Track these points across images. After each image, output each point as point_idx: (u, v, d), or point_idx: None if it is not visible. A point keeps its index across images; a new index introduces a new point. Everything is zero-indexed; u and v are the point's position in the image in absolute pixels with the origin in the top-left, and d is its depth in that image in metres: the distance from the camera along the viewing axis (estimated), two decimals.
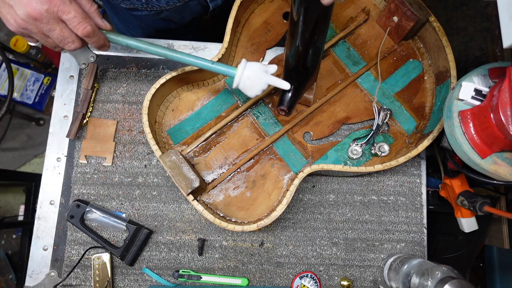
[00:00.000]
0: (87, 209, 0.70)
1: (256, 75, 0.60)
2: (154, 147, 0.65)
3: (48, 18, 0.50)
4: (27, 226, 1.50)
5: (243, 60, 0.60)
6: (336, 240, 0.73)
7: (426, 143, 0.65)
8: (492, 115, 0.50)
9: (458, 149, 0.56)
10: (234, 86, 0.61)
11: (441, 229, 0.89)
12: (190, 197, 0.63)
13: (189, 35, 0.94)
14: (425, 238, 0.73)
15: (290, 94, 0.62)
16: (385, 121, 0.70)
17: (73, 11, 0.50)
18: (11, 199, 1.68)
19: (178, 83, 0.71)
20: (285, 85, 0.60)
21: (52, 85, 1.66)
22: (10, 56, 1.65)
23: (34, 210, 1.52)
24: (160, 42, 0.77)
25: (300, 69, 0.62)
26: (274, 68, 0.61)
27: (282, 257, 0.72)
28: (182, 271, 0.71)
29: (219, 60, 0.69)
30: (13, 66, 1.61)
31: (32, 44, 0.58)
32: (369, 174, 0.74)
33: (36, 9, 0.48)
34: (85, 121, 0.74)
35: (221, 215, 0.68)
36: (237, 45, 0.75)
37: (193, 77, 0.71)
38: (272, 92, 0.74)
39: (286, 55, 0.63)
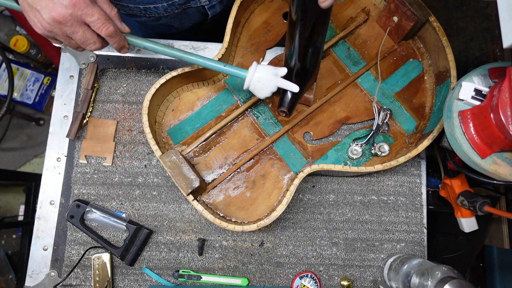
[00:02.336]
0: (87, 209, 0.70)
1: (266, 78, 0.61)
2: (154, 147, 0.65)
3: (71, 21, 0.52)
4: (27, 226, 1.50)
5: (254, 63, 0.62)
6: (336, 240, 0.73)
7: (426, 143, 0.65)
8: (492, 115, 0.50)
9: (458, 149, 0.56)
10: (245, 87, 0.63)
11: (441, 229, 0.89)
12: (190, 197, 0.63)
13: (190, 39, 0.94)
14: (425, 238, 0.73)
15: (290, 96, 0.62)
16: (385, 121, 0.70)
17: (97, 14, 0.53)
18: (11, 199, 1.67)
19: (178, 83, 0.71)
20: (294, 87, 0.61)
21: (52, 85, 1.66)
22: (10, 56, 1.65)
23: (34, 210, 1.52)
24: (160, 42, 0.77)
25: (299, 70, 0.62)
26: (284, 70, 0.62)
27: (282, 257, 0.72)
28: (182, 271, 0.71)
29: (219, 60, 0.69)
30: (13, 66, 1.61)
31: (57, 45, 0.60)
32: (369, 174, 0.74)
33: (60, 13, 0.51)
34: (85, 121, 0.74)
35: (221, 215, 0.68)
36: (237, 45, 0.75)
37: (193, 77, 0.71)
38: None
39: (285, 56, 0.63)
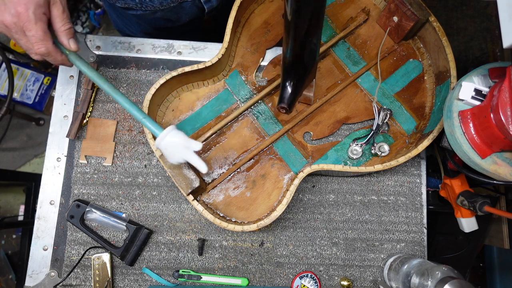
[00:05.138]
0: (87, 209, 0.70)
1: (175, 148, 0.58)
2: (154, 147, 0.65)
3: (16, 29, 0.56)
4: (27, 226, 1.50)
5: (170, 127, 0.59)
6: (336, 240, 0.73)
7: (426, 143, 0.65)
8: (492, 115, 0.50)
9: (458, 149, 0.56)
10: (155, 145, 0.60)
11: (441, 229, 0.89)
12: (190, 197, 0.63)
13: (189, 34, 0.94)
14: (425, 238, 0.73)
15: (290, 91, 0.61)
16: (385, 121, 0.70)
17: (33, 31, 0.55)
18: (11, 199, 1.67)
19: (178, 83, 0.71)
20: (202, 167, 0.57)
21: (52, 85, 1.66)
22: (10, 56, 1.65)
23: (34, 210, 1.52)
24: (160, 42, 0.77)
25: (298, 65, 0.61)
26: (198, 145, 0.58)
27: (282, 257, 0.72)
28: (182, 271, 0.71)
29: (219, 60, 0.69)
30: (13, 66, 1.61)
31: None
32: (369, 174, 0.74)
33: (7, 20, 0.55)
34: (85, 121, 0.74)
35: (221, 215, 0.68)
36: (237, 45, 0.75)
37: (193, 77, 0.71)
38: (272, 92, 0.74)
39: (283, 52, 0.62)
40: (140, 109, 0.61)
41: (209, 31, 1.07)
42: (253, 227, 0.63)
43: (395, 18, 0.71)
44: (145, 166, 0.73)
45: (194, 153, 0.58)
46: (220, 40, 0.71)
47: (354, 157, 0.71)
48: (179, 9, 0.79)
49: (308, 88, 0.70)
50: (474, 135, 0.54)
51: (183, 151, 0.58)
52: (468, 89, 0.54)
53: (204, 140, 0.71)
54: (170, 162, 0.61)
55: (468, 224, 0.71)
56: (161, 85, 0.67)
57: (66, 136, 0.71)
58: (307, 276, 0.71)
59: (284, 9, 0.55)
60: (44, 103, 1.66)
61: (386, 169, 0.68)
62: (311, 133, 0.72)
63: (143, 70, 0.76)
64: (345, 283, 0.71)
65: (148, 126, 0.60)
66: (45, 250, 0.71)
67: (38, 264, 0.71)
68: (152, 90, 0.66)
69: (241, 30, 0.76)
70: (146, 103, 0.66)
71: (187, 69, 0.67)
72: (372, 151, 0.70)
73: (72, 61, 0.62)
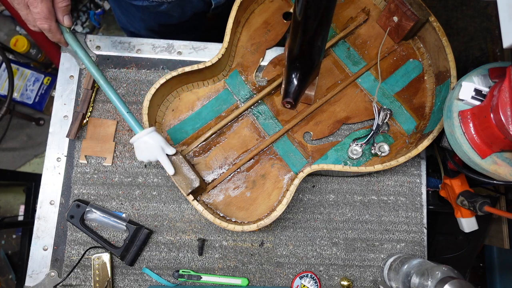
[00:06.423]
0: (87, 209, 0.70)
1: (152, 147, 0.61)
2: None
3: (18, 1, 0.58)
4: (27, 226, 1.50)
5: (151, 128, 0.62)
6: (336, 240, 0.73)
7: (426, 143, 0.65)
8: (492, 115, 0.50)
9: (458, 149, 0.56)
10: (130, 141, 0.63)
11: (441, 229, 0.89)
12: (190, 197, 0.63)
13: (191, 32, 0.94)
14: (425, 238, 0.73)
15: (296, 84, 0.60)
16: (385, 121, 0.70)
17: (39, 8, 0.58)
18: (11, 199, 1.67)
19: (178, 83, 0.71)
20: (170, 170, 0.62)
21: (52, 85, 1.66)
22: (10, 56, 1.65)
23: (34, 210, 1.52)
24: (160, 42, 0.77)
25: (304, 59, 0.60)
26: (172, 150, 0.63)
27: (282, 257, 0.72)
28: (182, 271, 0.71)
29: (219, 60, 0.69)
30: (13, 66, 1.60)
31: None
32: (369, 174, 0.74)
33: None
34: (85, 121, 0.74)
35: (221, 215, 0.68)
36: (237, 45, 0.75)
37: (193, 77, 0.71)
38: (272, 92, 0.74)
39: (289, 46, 0.62)
40: (125, 104, 0.63)
41: (212, 27, 1.06)
42: (253, 227, 0.63)
43: (395, 18, 0.71)
44: (145, 166, 0.73)
45: (166, 156, 0.62)
46: (220, 39, 0.71)
47: (354, 157, 0.71)
48: (185, 2, 0.79)
49: (310, 87, 0.69)
50: (474, 135, 0.54)
51: (158, 151, 0.61)
52: (468, 89, 0.54)
53: (204, 140, 0.71)
54: (139, 159, 0.63)
55: (468, 224, 0.71)
56: (161, 85, 0.67)
57: (66, 136, 0.71)
58: (307, 276, 0.71)
59: (294, 8, 0.55)
60: (44, 103, 1.66)
61: (386, 169, 0.68)
62: (311, 133, 0.72)
63: (143, 70, 0.76)
64: (345, 283, 0.71)
65: (130, 123, 0.62)
66: (45, 250, 0.71)
67: (38, 264, 0.71)
68: (152, 90, 0.66)
69: (241, 30, 0.76)
70: (146, 103, 0.66)
71: (187, 69, 0.67)
72: (372, 151, 0.70)
73: (66, 38, 0.64)
